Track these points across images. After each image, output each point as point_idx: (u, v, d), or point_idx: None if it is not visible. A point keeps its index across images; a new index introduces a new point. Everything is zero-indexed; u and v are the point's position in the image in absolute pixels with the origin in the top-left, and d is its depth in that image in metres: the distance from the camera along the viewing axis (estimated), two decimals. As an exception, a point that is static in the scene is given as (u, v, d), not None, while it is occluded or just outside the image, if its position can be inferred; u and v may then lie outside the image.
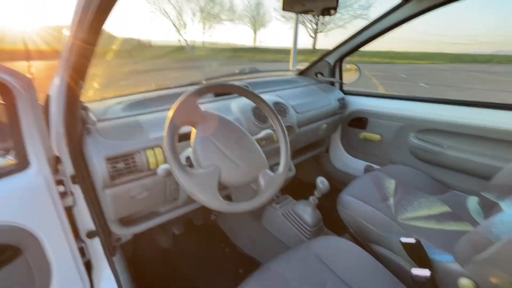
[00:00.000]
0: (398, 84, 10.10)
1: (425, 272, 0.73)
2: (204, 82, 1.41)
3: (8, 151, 0.86)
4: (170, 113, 0.66)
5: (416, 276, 0.74)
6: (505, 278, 0.60)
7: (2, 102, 0.61)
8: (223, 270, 1.29)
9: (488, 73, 15.05)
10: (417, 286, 0.75)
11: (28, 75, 0.64)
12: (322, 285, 0.71)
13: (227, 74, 1.52)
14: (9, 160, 0.69)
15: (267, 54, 25.28)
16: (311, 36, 29.27)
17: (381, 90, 8.25)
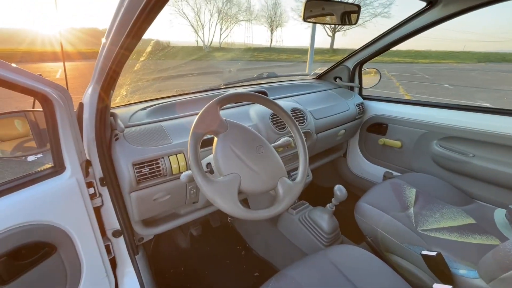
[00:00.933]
0: (421, 85, 9.70)
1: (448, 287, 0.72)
2: (222, 86, 1.45)
3: (37, 153, 0.94)
4: (194, 122, 0.68)
5: (438, 291, 0.73)
6: None
7: (42, 110, 0.67)
8: (239, 272, 1.32)
9: (520, 73, 14.13)
10: None
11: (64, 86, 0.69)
12: None
13: (246, 79, 1.54)
14: (46, 164, 0.75)
15: (283, 54, 25.17)
16: (328, 35, 28.77)
17: (401, 92, 7.97)
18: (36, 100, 0.64)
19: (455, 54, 29.87)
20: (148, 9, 0.46)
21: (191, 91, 1.29)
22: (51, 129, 0.67)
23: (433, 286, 0.74)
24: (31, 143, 0.90)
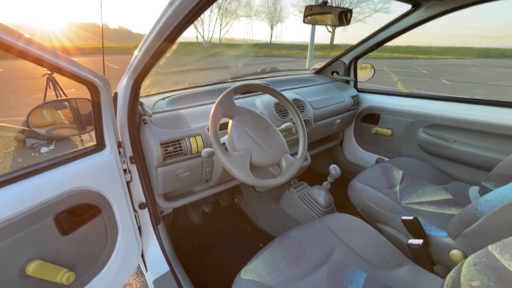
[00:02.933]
0: (419, 80, 9.80)
1: (418, 241, 0.87)
2: (230, 80, 1.59)
3: (79, 134, 1.07)
4: (213, 108, 0.83)
5: (411, 244, 0.88)
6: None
7: (89, 98, 0.81)
8: (245, 244, 1.48)
9: (519, 69, 14.21)
10: (412, 253, 0.88)
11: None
12: (332, 250, 0.86)
13: (250, 73, 1.68)
14: (91, 142, 0.89)
15: (283, 50, 25.17)
16: (328, 31, 28.72)
17: (400, 87, 8.09)
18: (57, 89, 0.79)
19: (456, 50, 29.82)
20: (194, 11, 0.58)
21: (202, 84, 1.43)
22: (96, 113, 0.81)
23: (408, 241, 0.90)
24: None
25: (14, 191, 0.63)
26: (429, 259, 0.90)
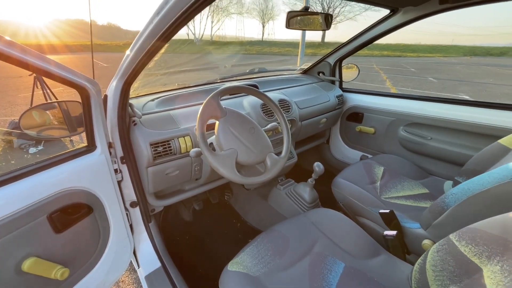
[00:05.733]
0: (406, 78, 10.01)
1: (393, 233, 0.94)
2: (218, 80, 1.63)
3: (69, 136, 1.09)
4: (200, 110, 0.87)
5: (386, 235, 0.95)
6: None
7: (79, 101, 0.84)
8: (235, 239, 1.53)
9: (502, 67, 14.66)
10: (387, 243, 0.95)
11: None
12: (314, 242, 0.92)
13: (239, 74, 1.72)
14: (82, 144, 0.92)
15: (275, 48, 25.19)
16: (319, 29, 28.84)
17: (388, 85, 8.26)
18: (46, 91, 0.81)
19: (443, 48, 30.47)
20: (190, 11, 0.60)
21: (191, 85, 1.46)
22: (87, 115, 0.84)
23: (384, 233, 0.97)
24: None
25: (8, 191, 0.65)
26: (403, 248, 0.97)
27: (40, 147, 3.16)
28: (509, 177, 0.70)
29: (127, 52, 0.83)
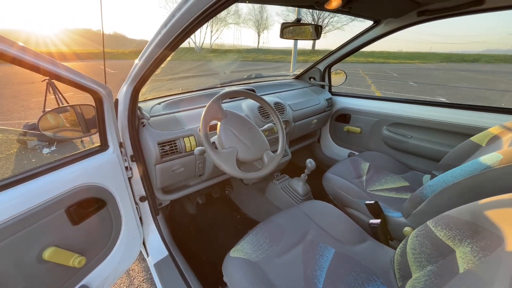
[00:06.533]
0: (389, 83, 10.11)
1: (377, 221, 0.97)
2: (219, 85, 1.64)
3: (83, 137, 1.10)
4: (203, 112, 0.88)
5: (371, 223, 0.98)
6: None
7: (93, 105, 0.85)
8: (235, 230, 1.54)
9: (475, 72, 14.89)
10: (372, 230, 0.98)
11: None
12: (307, 231, 0.94)
13: (238, 79, 1.73)
14: (90, 143, 0.93)
15: (269, 55, 25.21)
16: (310, 37, 28.98)
17: (373, 89, 8.33)
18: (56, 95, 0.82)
19: (422, 55, 30.83)
20: (194, 23, 0.61)
21: (194, 89, 1.47)
22: (100, 117, 0.85)
23: (369, 221, 0.99)
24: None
25: (31, 187, 0.66)
26: (386, 235, 0.99)
27: (53, 148, 3.13)
28: (478, 170, 0.73)
29: (136, 61, 0.84)
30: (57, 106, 0.99)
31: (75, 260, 0.74)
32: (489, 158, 0.73)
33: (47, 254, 0.68)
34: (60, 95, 3.37)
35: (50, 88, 3.30)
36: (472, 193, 0.73)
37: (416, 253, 0.67)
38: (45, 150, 3.07)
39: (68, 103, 3.44)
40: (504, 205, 0.53)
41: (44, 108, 3.54)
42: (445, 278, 0.55)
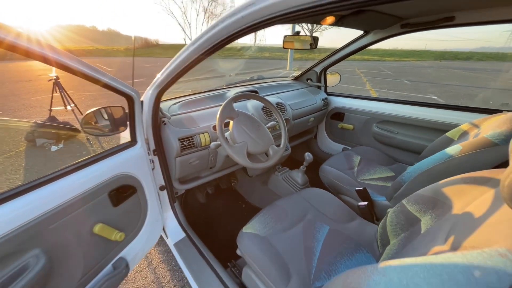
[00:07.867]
0: (384, 80, 10.31)
1: (364, 203, 1.14)
2: (225, 87, 1.79)
3: (113, 134, 1.25)
4: (219, 113, 1.04)
5: (360, 205, 1.15)
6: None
7: (122, 106, 1.00)
8: (241, 217, 1.71)
9: (467, 70, 15.22)
10: (361, 211, 1.15)
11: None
12: (306, 212, 1.11)
13: (242, 81, 1.89)
14: (125, 138, 1.08)
15: (266, 52, 25.27)
16: (306, 35, 29.04)
17: (368, 87, 8.53)
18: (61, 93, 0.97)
19: (416, 52, 31.14)
20: (220, 44, 0.73)
21: (203, 90, 1.63)
22: (132, 117, 1.00)
23: (358, 203, 1.17)
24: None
25: (82, 175, 0.82)
26: (372, 216, 1.17)
27: (60, 145, 3.25)
28: (444, 159, 0.91)
29: (159, 74, 0.99)
30: (95, 108, 1.13)
31: (116, 235, 0.89)
32: (453, 149, 0.91)
33: (97, 228, 0.84)
34: (65, 94, 3.48)
35: (57, 88, 3.40)
36: (438, 176, 0.91)
37: (393, 224, 0.85)
38: (53, 148, 3.18)
39: (73, 101, 3.55)
40: (455, 183, 0.70)
41: (51, 107, 3.63)
42: (411, 238, 0.73)
